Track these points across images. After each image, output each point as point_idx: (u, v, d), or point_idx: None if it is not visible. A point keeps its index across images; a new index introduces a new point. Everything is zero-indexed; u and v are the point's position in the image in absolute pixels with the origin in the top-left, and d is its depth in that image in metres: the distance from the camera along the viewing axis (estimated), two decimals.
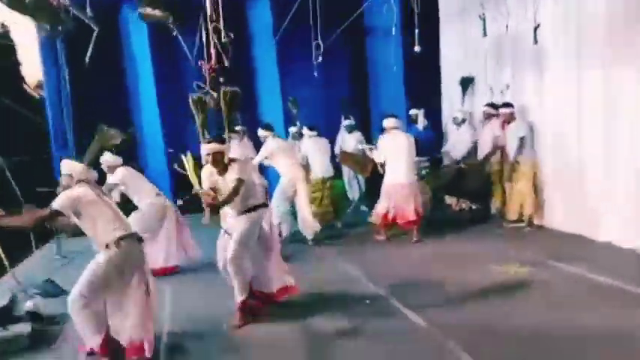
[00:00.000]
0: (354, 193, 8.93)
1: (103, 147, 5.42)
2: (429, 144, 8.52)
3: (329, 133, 8.27)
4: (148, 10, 5.58)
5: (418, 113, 8.60)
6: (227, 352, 3.93)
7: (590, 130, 6.07)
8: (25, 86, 10.33)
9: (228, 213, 4.57)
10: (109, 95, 9.46)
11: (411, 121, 8.83)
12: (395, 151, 6.69)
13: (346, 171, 8.73)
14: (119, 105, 9.68)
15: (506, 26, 6.80)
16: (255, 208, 4.44)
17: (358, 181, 8.83)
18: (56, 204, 3.61)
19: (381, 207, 6.80)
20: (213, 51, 4.60)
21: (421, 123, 8.57)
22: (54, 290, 5.32)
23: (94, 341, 3.67)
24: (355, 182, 8.86)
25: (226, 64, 4.64)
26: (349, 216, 8.13)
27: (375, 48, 9.89)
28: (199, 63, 4.95)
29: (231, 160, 4.37)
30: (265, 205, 4.64)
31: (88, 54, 8.58)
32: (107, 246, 3.64)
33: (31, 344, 4.09)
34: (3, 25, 19.05)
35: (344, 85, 10.10)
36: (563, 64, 6.31)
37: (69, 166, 3.98)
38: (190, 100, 4.66)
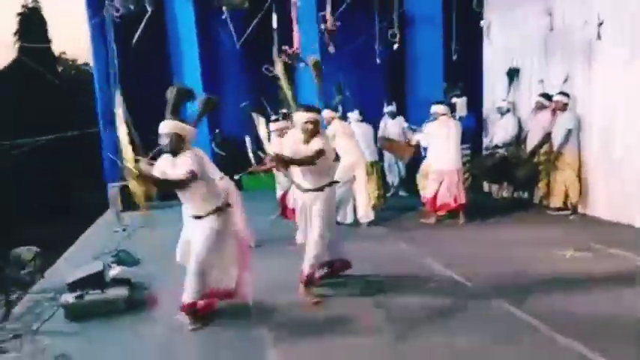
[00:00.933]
0: (393, 178, 9.16)
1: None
2: (470, 132, 8.75)
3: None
4: None
5: (458, 101, 8.77)
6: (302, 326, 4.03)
7: (635, 125, 6.27)
8: None
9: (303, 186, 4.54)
10: (154, 75, 9.62)
11: (452, 110, 9.01)
12: (445, 138, 6.91)
13: (387, 156, 8.97)
14: (164, 85, 9.87)
15: (550, 16, 6.93)
16: (330, 184, 4.53)
17: (398, 167, 9.06)
18: (193, 165, 3.74)
19: (430, 191, 7.04)
20: (296, 35, 4.78)
21: (462, 111, 8.75)
22: (129, 259, 5.61)
23: (197, 297, 3.95)
24: (395, 167, 9.08)
25: (331, 50, 4.85)
26: (390, 200, 8.36)
27: (416, 36, 10.02)
28: (283, 48, 5.15)
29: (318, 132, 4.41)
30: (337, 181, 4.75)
31: (137, 34, 8.85)
32: (218, 209, 3.93)
33: (126, 307, 4.38)
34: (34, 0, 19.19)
35: (381, 72, 10.24)
36: (614, 59, 6.49)
37: (178, 127, 3.82)
38: (279, 66, 4.60)
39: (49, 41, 17.85)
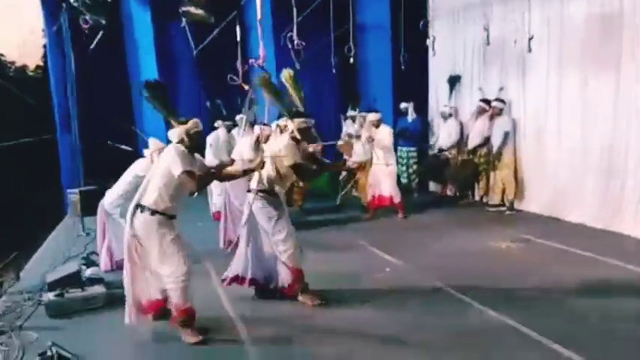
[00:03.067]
0: None
1: None
2: (418, 135, 9.42)
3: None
4: (192, 9, 6.04)
5: (408, 106, 9.41)
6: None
7: (566, 127, 7.05)
8: None
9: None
10: (111, 82, 9.83)
11: (400, 114, 9.66)
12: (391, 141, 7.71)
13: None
14: (121, 91, 10.05)
15: (486, 31, 7.65)
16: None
17: None
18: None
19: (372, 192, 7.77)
20: (262, 51, 5.19)
21: (410, 115, 9.40)
22: (98, 262, 5.85)
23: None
24: None
25: (297, 66, 5.29)
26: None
27: (365, 44, 10.59)
28: (250, 61, 5.55)
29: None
30: None
31: (94, 43, 9.00)
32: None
33: (105, 305, 4.67)
34: None
35: (333, 78, 10.75)
36: (546, 67, 7.27)
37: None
38: (261, 81, 4.58)
39: None
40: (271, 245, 4.48)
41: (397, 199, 7.67)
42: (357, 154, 7.80)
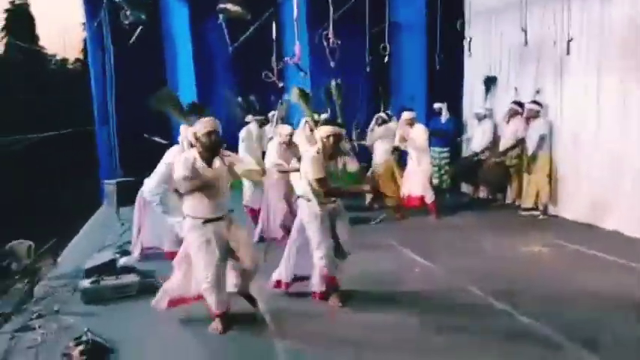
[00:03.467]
0: None
1: None
2: (451, 135, 9.33)
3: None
4: (229, 6, 6.13)
5: (442, 107, 9.33)
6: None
7: (604, 131, 6.88)
8: None
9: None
10: (149, 76, 10.00)
11: (434, 114, 9.59)
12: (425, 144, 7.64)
13: None
14: (157, 86, 10.20)
15: (524, 32, 7.51)
16: None
17: None
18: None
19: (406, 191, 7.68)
20: (298, 49, 5.23)
21: (444, 116, 9.32)
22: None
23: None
24: None
25: (332, 65, 5.34)
26: None
27: (400, 43, 10.52)
28: (285, 59, 5.62)
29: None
30: None
31: (133, 37, 9.19)
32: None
33: (138, 293, 4.79)
34: None
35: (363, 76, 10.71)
36: (584, 70, 7.10)
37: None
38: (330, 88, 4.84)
39: (37, 39, 17.97)
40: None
41: (429, 200, 7.61)
42: (377, 155, 7.82)
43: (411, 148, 7.58)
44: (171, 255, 5.20)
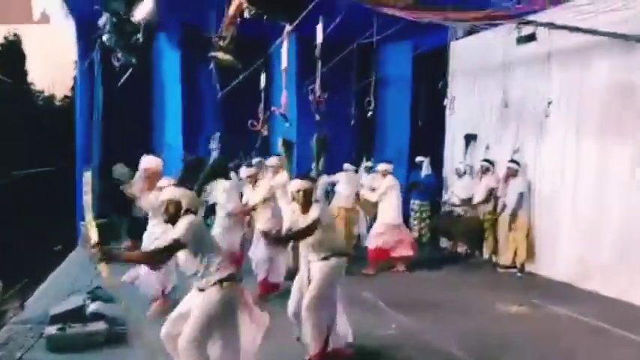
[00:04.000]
0: (360, 230, 9.61)
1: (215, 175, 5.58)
2: (431, 189, 9.44)
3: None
4: (220, 55, 6.25)
5: (424, 160, 9.48)
6: None
7: (582, 193, 7.00)
8: None
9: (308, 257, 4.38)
10: (136, 118, 10.05)
11: (415, 167, 9.72)
12: (397, 193, 7.63)
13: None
14: (144, 129, 10.26)
15: (505, 94, 7.72)
16: (338, 254, 4.33)
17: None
18: (180, 234, 3.42)
19: (374, 244, 7.58)
20: (284, 99, 5.32)
21: (425, 170, 9.45)
22: (104, 296, 5.83)
23: None
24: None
25: (317, 117, 5.43)
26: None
27: (385, 97, 10.75)
28: (272, 109, 5.70)
29: (315, 201, 4.36)
30: (347, 254, 4.57)
31: (122, 79, 9.25)
32: (219, 283, 3.52)
33: (105, 341, 4.64)
34: (15, 33, 19.47)
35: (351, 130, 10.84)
36: (563, 132, 7.29)
37: (179, 193, 3.62)
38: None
39: (26, 75, 17.98)
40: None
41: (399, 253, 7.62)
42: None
43: (374, 197, 7.63)
44: None
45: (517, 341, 5.01)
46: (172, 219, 3.58)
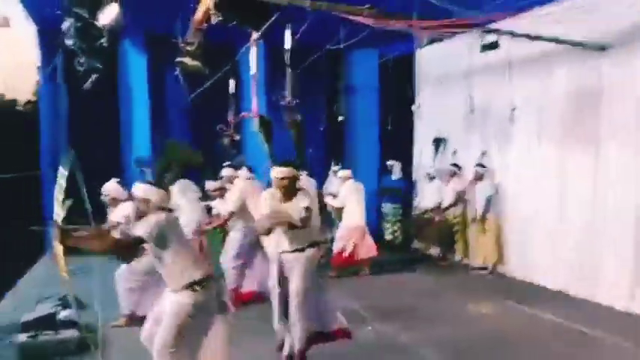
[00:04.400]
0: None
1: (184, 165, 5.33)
2: (403, 193, 9.62)
3: None
4: (187, 60, 6.22)
5: (394, 164, 9.64)
6: None
7: (546, 195, 7.25)
8: None
9: (278, 246, 4.28)
10: (102, 123, 9.90)
11: (385, 171, 9.88)
12: (357, 197, 7.76)
13: None
14: (110, 134, 10.11)
15: (470, 99, 7.94)
16: (316, 243, 4.32)
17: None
18: (142, 230, 3.33)
19: (337, 247, 7.68)
20: (255, 105, 5.35)
21: (396, 173, 9.61)
22: (75, 303, 5.73)
23: None
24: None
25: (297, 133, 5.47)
26: None
27: (355, 103, 10.87)
28: (242, 114, 5.71)
29: (299, 189, 4.24)
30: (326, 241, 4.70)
31: (87, 84, 9.11)
32: (190, 287, 3.41)
33: (76, 349, 4.58)
34: None
35: (321, 135, 10.96)
36: (526, 137, 7.54)
37: (146, 191, 3.55)
38: (257, 122, 4.60)
39: None
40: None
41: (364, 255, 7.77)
42: None
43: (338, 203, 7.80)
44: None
45: (489, 342, 5.14)
46: (144, 217, 3.50)
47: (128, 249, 3.44)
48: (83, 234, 3.62)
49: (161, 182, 3.71)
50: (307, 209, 4.05)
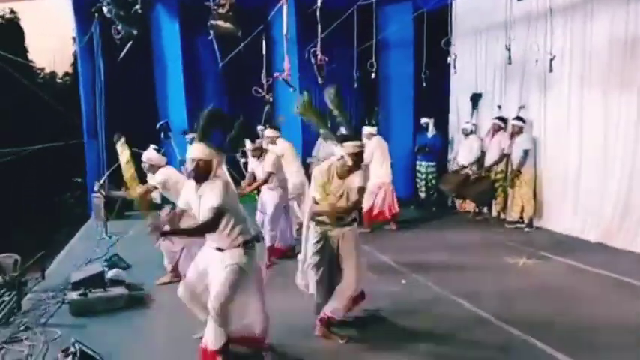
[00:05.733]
0: None
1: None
2: (437, 150, 9.49)
3: None
4: (220, 23, 6.21)
5: (429, 122, 9.49)
6: None
7: (587, 146, 7.05)
8: None
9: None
10: (139, 91, 10.05)
11: (421, 129, 9.74)
12: (383, 154, 7.78)
13: None
14: (148, 101, 10.27)
15: (508, 50, 7.69)
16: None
17: None
18: (218, 201, 3.37)
19: (367, 205, 7.63)
20: (287, 64, 5.32)
21: (431, 131, 9.47)
22: (121, 263, 6.00)
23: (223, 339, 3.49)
24: None
25: (320, 81, 5.43)
26: None
27: (388, 60, 10.67)
28: (275, 75, 5.70)
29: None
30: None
31: (123, 52, 9.23)
32: (244, 245, 3.53)
33: (125, 305, 4.80)
34: (12, 10, 19.36)
35: (355, 93, 10.82)
36: (567, 87, 7.30)
37: (205, 152, 3.48)
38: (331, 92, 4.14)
39: (26, 52, 17.94)
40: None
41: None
42: None
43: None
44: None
45: (526, 292, 5.14)
46: (201, 178, 3.50)
47: (213, 225, 3.43)
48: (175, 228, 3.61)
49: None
50: (361, 190, 3.93)
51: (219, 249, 3.57)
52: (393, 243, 7.25)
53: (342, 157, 3.85)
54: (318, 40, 5.94)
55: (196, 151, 3.49)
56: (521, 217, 7.88)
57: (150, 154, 5.75)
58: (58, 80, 18.20)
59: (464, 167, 8.76)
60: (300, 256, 4.20)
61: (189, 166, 3.50)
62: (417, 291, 5.23)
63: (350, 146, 3.85)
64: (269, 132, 7.18)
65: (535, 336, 3.99)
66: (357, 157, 3.87)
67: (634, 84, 6.30)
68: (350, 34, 8.57)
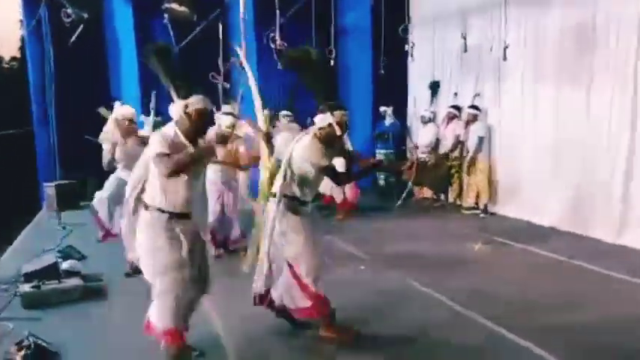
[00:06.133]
0: None
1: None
2: (396, 138, 9.59)
3: None
4: (175, 6, 6.06)
5: (387, 110, 9.57)
6: None
7: (540, 134, 7.26)
8: None
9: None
10: (90, 76, 9.72)
11: (379, 117, 9.82)
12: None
13: None
14: (100, 87, 9.94)
15: (464, 39, 7.84)
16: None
17: None
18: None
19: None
20: (243, 49, 5.23)
21: (389, 119, 9.56)
22: (75, 254, 5.83)
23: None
24: None
25: (279, 66, 5.35)
26: None
27: (346, 47, 10.68)
28: (232, 60, 5.61)
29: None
30: None
31: (74, 36, 8.90)
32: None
33: (81, 297, 4.68)
34: None
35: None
36: (521, 75, 7.49)
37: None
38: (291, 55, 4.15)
39: None
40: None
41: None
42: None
43: None
44: None
45: (477, 274, 5.33)
46: None
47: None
48: None
49: None
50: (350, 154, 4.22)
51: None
52: (353, 231, 7.29)
53: (330, 124, 3.74)
54: (277, 24, 5.88)
55: None
56: (477, 203, 8.09)
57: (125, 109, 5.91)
58: (5, 65, 17.43)
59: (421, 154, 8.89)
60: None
61: None
62: (379, 279, 5.29)
63: (339, 115, 3.75)
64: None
65: (493, 321, 4.10)
66: (343, 126, 3.78)
67: (585, 73, 6.52)
68: (308, 20, 8.52)
